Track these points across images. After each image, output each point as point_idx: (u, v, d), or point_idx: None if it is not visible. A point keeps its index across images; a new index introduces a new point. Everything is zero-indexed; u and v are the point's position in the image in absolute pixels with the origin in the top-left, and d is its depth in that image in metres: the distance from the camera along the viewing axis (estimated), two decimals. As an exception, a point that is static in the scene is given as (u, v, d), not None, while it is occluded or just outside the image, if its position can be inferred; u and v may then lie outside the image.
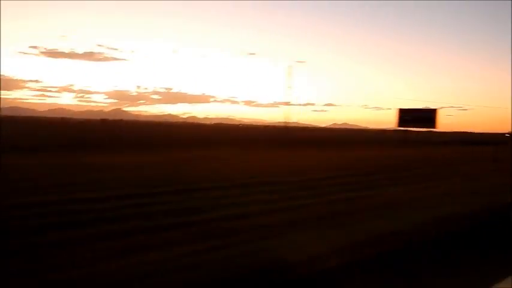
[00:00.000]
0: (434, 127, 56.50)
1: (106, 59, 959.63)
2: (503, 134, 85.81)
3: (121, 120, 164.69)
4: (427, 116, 56.11)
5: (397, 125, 57.93)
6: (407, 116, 56.94)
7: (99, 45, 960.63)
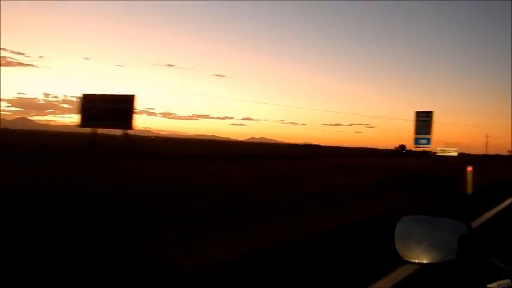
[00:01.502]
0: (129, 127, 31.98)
1: (10, 64, 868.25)
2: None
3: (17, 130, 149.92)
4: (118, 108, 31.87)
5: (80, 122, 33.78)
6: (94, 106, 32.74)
7: (3, 49, 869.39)
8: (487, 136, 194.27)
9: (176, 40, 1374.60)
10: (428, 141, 41.42)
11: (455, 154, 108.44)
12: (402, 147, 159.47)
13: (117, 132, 34.22)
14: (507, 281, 0.82)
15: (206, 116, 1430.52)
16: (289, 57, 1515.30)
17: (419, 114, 41.79)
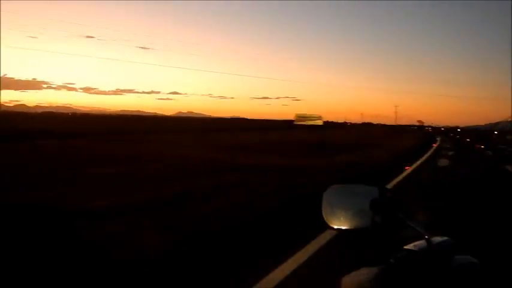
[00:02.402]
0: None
1: None
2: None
3: None
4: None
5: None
6: None
7: None
8: (396, 106, 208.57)
9: (95, 10, 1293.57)
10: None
11: (320, 123, 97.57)
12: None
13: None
14: (422, 241, 0.85)
15: (131, 91, 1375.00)
16: (216, 29, 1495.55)
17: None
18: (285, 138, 30.20)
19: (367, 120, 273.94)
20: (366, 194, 0.89)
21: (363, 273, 0.81)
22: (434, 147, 28.40)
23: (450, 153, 23.56)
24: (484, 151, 26.92)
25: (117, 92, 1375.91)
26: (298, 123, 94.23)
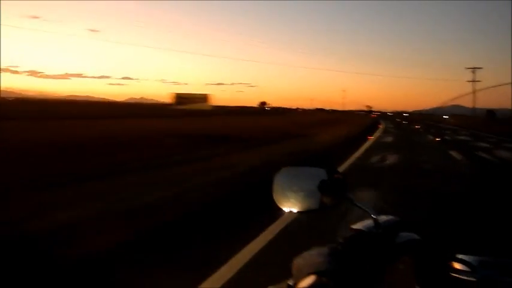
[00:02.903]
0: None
1: None
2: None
3: None
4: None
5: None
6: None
7: None
8: (343, 91, 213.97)
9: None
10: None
11: (208, 107, 75.11)
12: (263, 103, 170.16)
13: None
14: (370, 220, 0.88)
15: (80, 75, 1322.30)
16: (170, 10, 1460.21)
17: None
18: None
19: (319, 106, 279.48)
20: (315, 175, 0.91)
21: (312, 254, 0.82)
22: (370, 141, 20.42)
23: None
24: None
25: (66, 76, 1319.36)
26: (178, 107, 70.71)
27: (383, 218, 0.90)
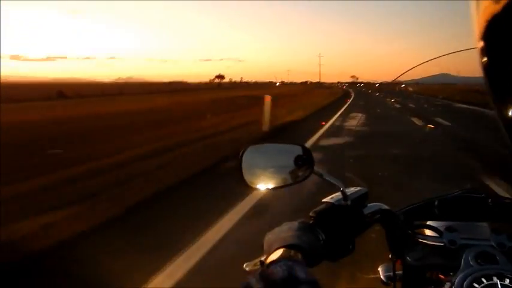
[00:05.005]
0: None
1: None
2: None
3: None
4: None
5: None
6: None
7: None
8: (288, 71, 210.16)
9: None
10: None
11: None
12: (220, 77, 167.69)
13: None
14: (338, 193, 0.90)
15: (64, 57, 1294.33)
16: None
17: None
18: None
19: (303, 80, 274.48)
20: (289, 152, 0.93)
21: (283, 229, 0.84)
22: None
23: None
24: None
25: (49, 58, 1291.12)
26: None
27: (351, 190, 0.93)
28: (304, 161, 0.91)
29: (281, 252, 0.75)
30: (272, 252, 0.76)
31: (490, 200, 0.99)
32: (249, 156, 0.95)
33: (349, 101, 34.55)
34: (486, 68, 0.45)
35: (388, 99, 37.27)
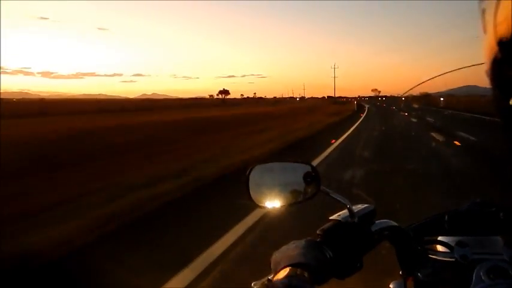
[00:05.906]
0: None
1: None
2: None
3: None
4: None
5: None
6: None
7: None
8: (303, 84, 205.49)
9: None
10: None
11: None
12: (225, 92, 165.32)
13: None
14: (345, 210, 0.91)
15: (92, 74, 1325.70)
16: (177, 5, 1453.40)
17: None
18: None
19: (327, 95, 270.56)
20: (297, 169, 0.93)
21: (291, 248, 0.84)
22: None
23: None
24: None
25: (78, 75, 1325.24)
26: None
27: (358, 207, 0.93)
28: (312, 178, 0.92)
29: (288, 270, 0.75)
30: (279, 271, 0.77)
31: (501, 213, 0.96)
32: (256, 175, 0.94)
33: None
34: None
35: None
